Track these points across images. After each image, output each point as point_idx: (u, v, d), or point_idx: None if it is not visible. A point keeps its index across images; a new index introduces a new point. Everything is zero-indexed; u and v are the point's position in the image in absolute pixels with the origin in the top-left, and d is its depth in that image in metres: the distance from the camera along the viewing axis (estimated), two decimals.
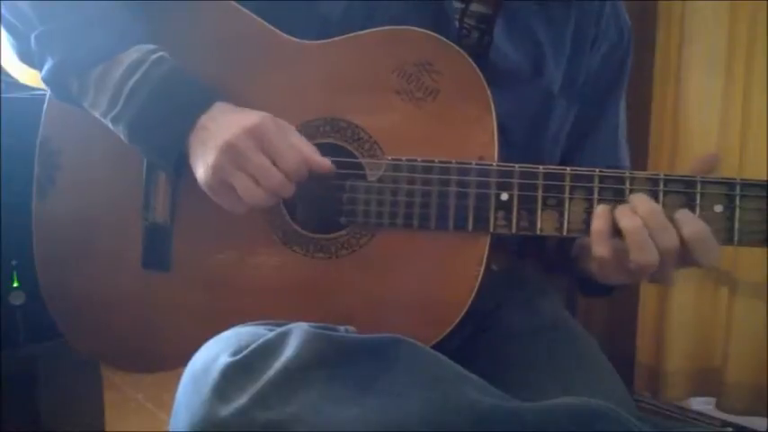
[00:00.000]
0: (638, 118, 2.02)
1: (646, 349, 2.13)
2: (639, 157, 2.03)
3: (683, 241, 0.80)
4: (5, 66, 1.50)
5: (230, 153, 0.83)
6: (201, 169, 0.86)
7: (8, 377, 1.36)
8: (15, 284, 1.37)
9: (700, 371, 2.08)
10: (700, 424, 2.01)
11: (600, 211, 0.82)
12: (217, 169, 0.84)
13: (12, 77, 1.50)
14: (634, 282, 0.87)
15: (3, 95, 1.36)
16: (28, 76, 1.56)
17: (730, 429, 2.01)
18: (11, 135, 1.30)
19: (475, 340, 0.97)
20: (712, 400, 2.07)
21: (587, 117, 1.04)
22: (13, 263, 1.36)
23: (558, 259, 1.02)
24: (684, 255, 0.80)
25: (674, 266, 0.82)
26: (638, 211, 0.80)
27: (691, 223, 0.80)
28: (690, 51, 1.97)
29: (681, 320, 2.05)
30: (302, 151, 0.85)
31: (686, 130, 2.01)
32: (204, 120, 0.86)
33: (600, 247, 0.82)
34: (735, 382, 1.98)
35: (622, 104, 1.09)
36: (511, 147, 0.91)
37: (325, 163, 0.87)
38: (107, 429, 1.55)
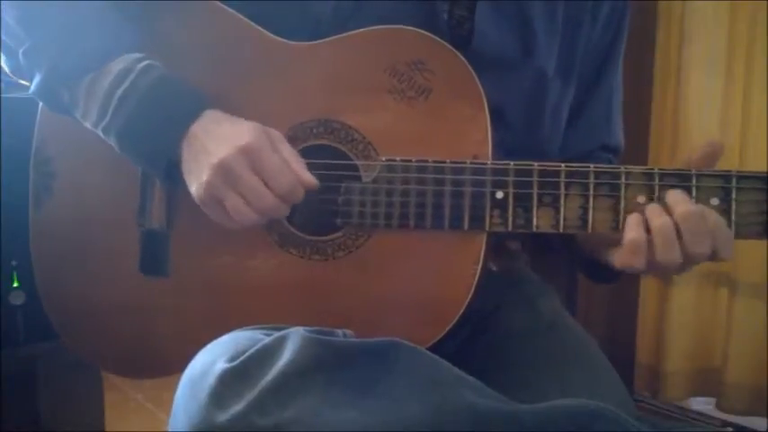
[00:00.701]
0: (638, 118, 2.02)
1: (646, 349, 2.14)
2: (639, 157, 2.03)
3: None
4: (5, 66, 1.50)
5: (223, 172, 0.83)
6: (195, 185, 0.86)
7: (8, 377, 1.36)
8: (15, 284, 1.37)
9: (700, 371, 2.08)
10: (700, 424, 2.01)
11: (633, 220, 0.81)
12: (210, 187, 0.84)
13: (12, 77, 1.50)
14: (658, 276, 0.87)
15: (3, 95, 1.36)
16: None
17: (730, 429, 2.01)
18: (11, 135, 1.30)
19: (474, 341, 0.97)
20: (712, 400, 2.08)
21: (579, 93, 1.02)
22: (13, 263, 1.36)
23: (561, 243, 1.02)
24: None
25: (696, 264, 0.82)
26: (675, 212, 0.79)
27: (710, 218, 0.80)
28: (690, 51, 1.97)
29: (681, 321, 2.05)
30: (295, 172, 0.85)
31: (686, 130, 2.01)
32: (194, 128, 0.86)
33: (635, 257, 0.81)
34: (735, 383, 1.98)
35: (618, 76, 1.07)
36: (509, 130, 0.91)
37: (311, 181, 0.86)
38: (107, 429, 1.55)
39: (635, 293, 2.13)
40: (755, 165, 1.87)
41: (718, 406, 2.04)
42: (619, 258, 0.83)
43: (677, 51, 2.00)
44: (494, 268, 1.01)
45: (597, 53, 1.03)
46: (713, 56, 1.96)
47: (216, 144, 0.84)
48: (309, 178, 0.86)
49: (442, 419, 0.67)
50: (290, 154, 0.86)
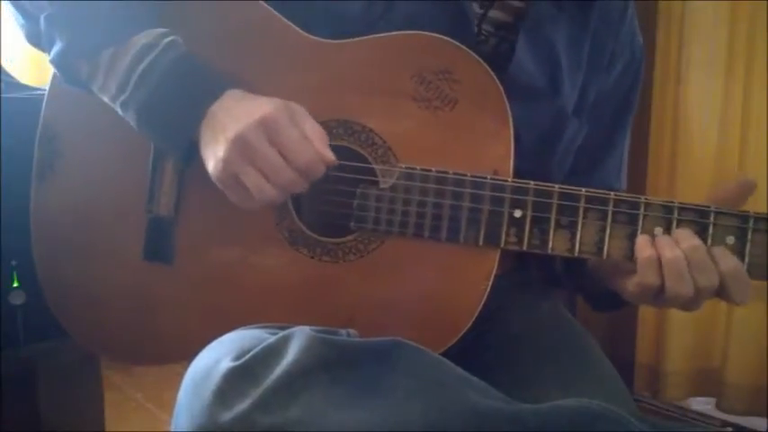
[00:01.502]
0: (638, 118, 2.01)
1: (646, 349, 2.14)
2: (639, 158, 2.03)
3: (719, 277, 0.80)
4: (5, 66, 1.49)
5: (240, 146, 0.81)
6: (212, 162, 0.84)
7: (8, 377, 1.36)
8: (15, 284, 1.37)
9: (700, 371, 2.08)
10: (700, 424, 2.01)
11: (643, 240, 0.82)
12: (227, 163, 0.82)
13: (12, 77, 1.50)
14: (661, 307, 0.87)
15: (3, 95, 1.36)
16: (28, 76, 1.56)
17: (730, 429, 2.01)
18: (11, 135, 1.30)
19: (476, 341, 0.97)
20: (712, 400, 2.08)
21: (597, 139, 1.03)
22: (13, 263, 1.36)
23: (564, 273, 1.02)
24: (718, 291, 0.81)
25: (704, 302, 0.82)
26: (681, 246, 0.80)
27: (726, 261, 0.80)
28: (690, 51, 1.98)
29: (681, 321, 2.06)
30: (315, 145, 0.83)
31: (686, 130, 2.01)
32: (215, 108, 0.84)
33: (650, 274, 0.81)
34: (735, 383, 1.99)
35: (629, 127, 1.09)
36: (520, 158, 0.91)
37: (330, 157, 0.84)
38: (107, 429, 1.55)
39: None
40: (755, 165, 1.88)
41: (718, 406, 2.04)
42: (634, 281, 0.83)
43: (677, 51, 2.00)
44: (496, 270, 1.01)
45: (612, 104, 1.04)
46: (713, 56, 1.96)
47: (234, 120, 0.82)
48: (329, 154, 0.84)
49: (446, 420, 0.67)
50: (311, 127, 0.84)
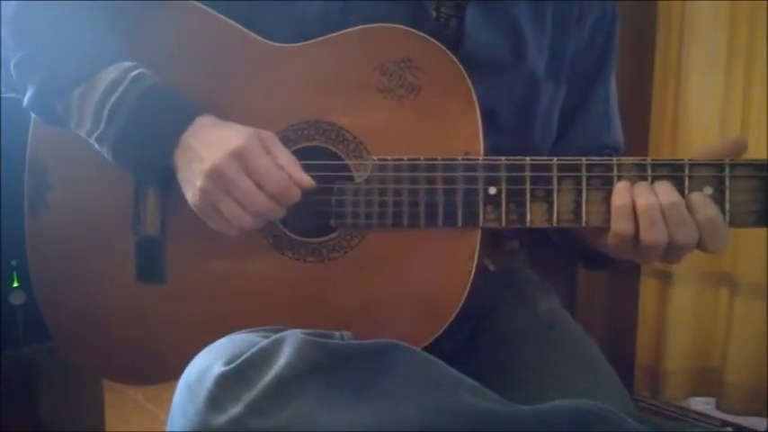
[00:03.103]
0: (638, 118, 2.02)
1: (646, 350, 2.14)
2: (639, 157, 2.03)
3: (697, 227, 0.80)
4: None
5: (216, 178, 0.83)
6: (190, 193, 0.86)
7: (8, 377, 1.36)
8: (15, 284, 1.37)
9: (699, 371, 2.08)
10: (700, 424, 2.01)
11: (621, 186, 0.82)
12: (204, 194, 0.84)
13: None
14: (643, 261, 0.87)
15: (3, 95, 1.36)
16: None
17: (730, 429, 2.01)
18: (11, 135, 1.30)
19: (473, 341, 0.97)
20: (712, 400, 2.08)
21: (576, 95, 1.03)
22: (13, 263, 1.36)
23: (559, 237, 1.02)
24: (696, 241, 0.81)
25: (685, 253, 0.82)
26: (660, 199, 0.80)
27: (705, 210, 0.80)
28: (690, 51, 1.97)
29: (681, 321, 2.06)
30: (289, 172, 0.85)
31: (686, 129, 2.01)
32: (187, 137, 0.86)
33: (623, 223, 0.82)
34: (735, 383, 1.98)
35: (612, 79, 1.08)
36: (500, 132, 0.91)
37: (307, 181, 0.86)
38: (107, 429, 1.55)
39: (635, 293, 2.13)
40: None
41: (718, 406, 2.04)
42: (610, 231, 0.83)
43: (677, 51, 1.99)
44: (491, 267, 1.01)
45: (589, 60, 1.04)
46: (713, 56, 1.96)
47: (208, 150, 0.84)
48: (305, 178, 0.86)
49: (440, 422, 0.67)
50: (283, 155, 0.86)
